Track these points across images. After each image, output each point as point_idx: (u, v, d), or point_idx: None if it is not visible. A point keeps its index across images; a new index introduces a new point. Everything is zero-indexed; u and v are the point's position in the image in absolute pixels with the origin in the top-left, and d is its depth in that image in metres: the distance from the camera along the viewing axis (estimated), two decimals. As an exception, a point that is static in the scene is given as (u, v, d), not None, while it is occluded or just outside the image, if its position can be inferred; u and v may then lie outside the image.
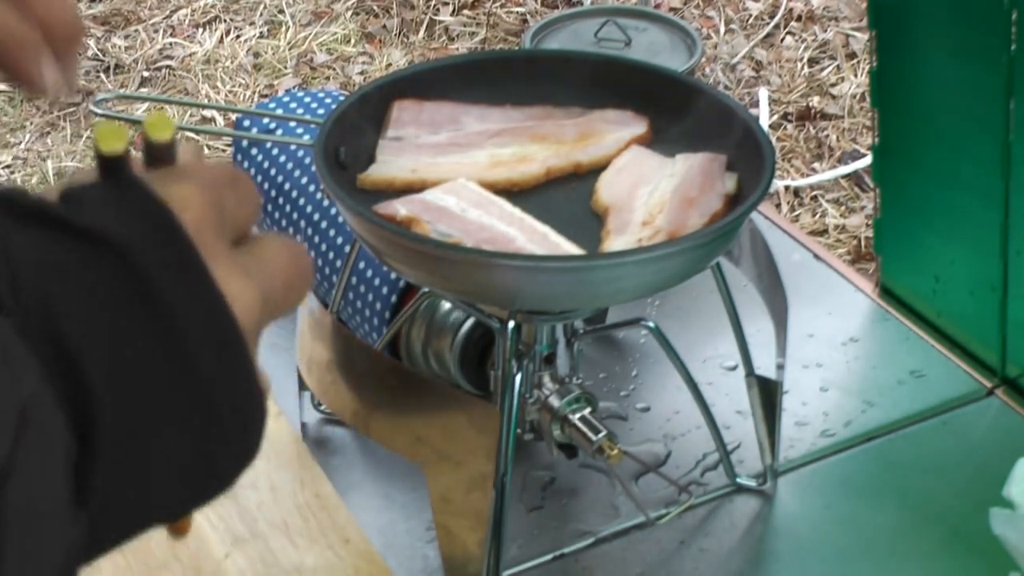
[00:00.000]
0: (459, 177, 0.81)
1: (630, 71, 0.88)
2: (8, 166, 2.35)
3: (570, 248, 0.75)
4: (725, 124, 0.82)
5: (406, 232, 0.72)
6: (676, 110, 0.85)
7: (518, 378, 0.76)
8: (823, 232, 2.17)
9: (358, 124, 0.83)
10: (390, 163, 0.82)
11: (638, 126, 0.85)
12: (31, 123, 2.44)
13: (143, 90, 2.53)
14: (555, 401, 0.81)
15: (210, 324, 0.40)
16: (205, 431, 0.41)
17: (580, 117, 0.86)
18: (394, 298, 0.89)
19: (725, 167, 0.81)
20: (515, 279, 0.71)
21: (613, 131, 0.85)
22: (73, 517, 0.37)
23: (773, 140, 2.38)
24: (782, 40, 2.70)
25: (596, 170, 0.83)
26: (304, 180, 0.99)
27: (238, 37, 2.68)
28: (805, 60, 2.61)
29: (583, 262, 0.73)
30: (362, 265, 0.91)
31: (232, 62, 2.60)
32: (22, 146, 2.39)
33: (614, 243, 0.76)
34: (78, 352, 0.37)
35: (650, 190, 0.79)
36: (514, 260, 0.71)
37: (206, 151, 2.31)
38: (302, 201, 0.98)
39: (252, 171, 1.03)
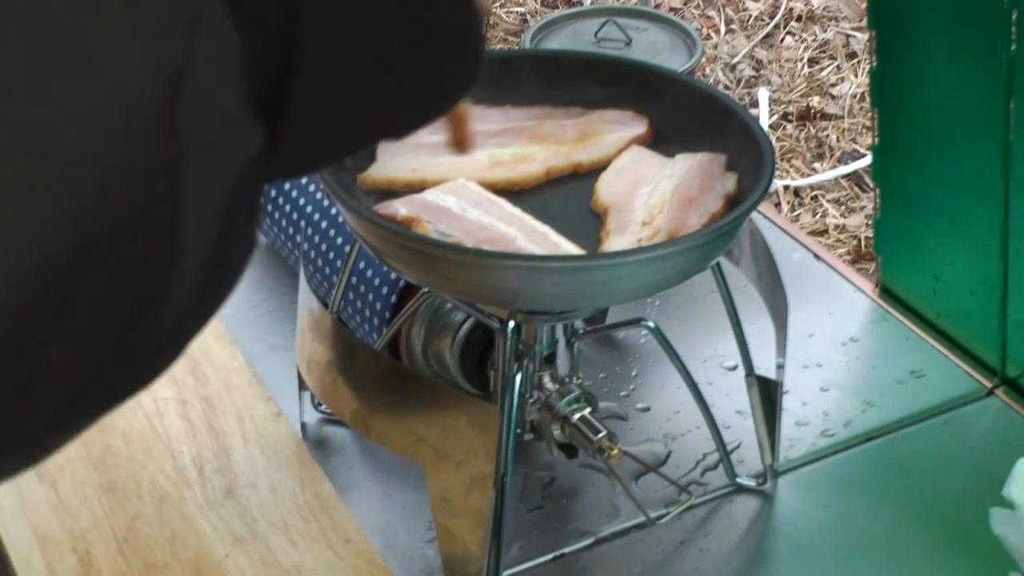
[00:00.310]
0: (459, 177, 0.81)
1: (629, 71, 0.88)
2: None
3: (570, 248, 0.75)
4: (725, 124, 0.82)
5: (406, 232, 0.72)
6: (676, 110, 0.85)
7: (518, 378, 0.76)
8: (823, 232, 2.17)
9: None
10: (390, 163, 0.82)
11: (638, 126, 0.85)
12: None
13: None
14: (555, 401, 0.81)
15: None
16: (418, 23, 0.41)
17: (580, 117, 0.86)
18: (394, 298, 0.89)
19: (725, 167, 0.81)
20: (515, 279, 0.71)
21: (613, 131, 0.85)
22: (250, 126, 0.36)
23: (773, 140, 2.38)
24: (782, 40, 2.70)
25: (596, 170, 0.83)
26: (304, 180, 0.99)
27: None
28: (805, 60, 2.62)
29: (583, 262, 0.73)
30: (362, 265, 0.91)
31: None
32: None
33: (614, 243, 0.76)
34: None
35: (650, 190, 0.79)
36: (514, 260, 0.71)
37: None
38: (302, 201, 0.98)
39: (252, 171, 1.03)
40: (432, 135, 0.84)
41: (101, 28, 0.32)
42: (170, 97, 0.33)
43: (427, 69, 0.44)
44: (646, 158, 0.83)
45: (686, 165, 0.81)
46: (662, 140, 0.85)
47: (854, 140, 2.39)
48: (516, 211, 0.78)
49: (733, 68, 2.62)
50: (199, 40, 0.34)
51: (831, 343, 1.02)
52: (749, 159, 0.79)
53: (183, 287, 0.37)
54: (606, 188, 0.81)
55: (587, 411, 0.81)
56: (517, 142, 0.84)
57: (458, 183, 0.80)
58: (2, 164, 0.30)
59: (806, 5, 2.77)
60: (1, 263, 0.31)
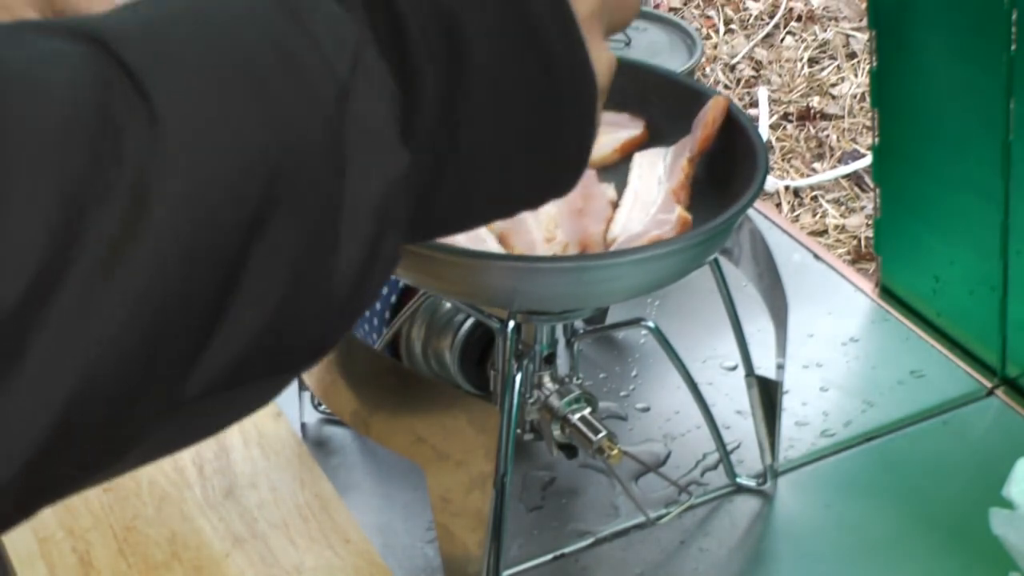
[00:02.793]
0: None
1: (626, 71, 0.88)
2: None
3: (498, 250, 0.76)
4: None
5: None
6: (669, 109, 0.85)
7: (518, 378, 0.76)
8: (823, 232, 2.17)
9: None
10: None
11: (634, 128, 0.85)
12: None
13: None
14: (555, 401, 0.81)
15: (555, 7, 0.47)
16: (540, 98, 0.48)
17: None
18: (394, 298, 0.89)
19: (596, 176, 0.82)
20: (510, 280, 0.71)
21: (609, 132, 0.85)
22: (398, 148, 0.43)
23: (773, 140, 2.39)
24: (782, 40, 2.70)
25: (604, 168, 0.83)
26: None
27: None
28: (805, 60, 2.62)
29: (578, 263, 0.73)
30: (362, 265, 0.91)
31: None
32: None
33: None
34: (454, 10, 0.45)
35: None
36: (508, 261, 0.71)
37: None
38: (302, 201, 0.98)
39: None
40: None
41: (305, 49, 0.41)
42: (340, 102, 0.41)
43: (552, 130, 0.50)
44: None
45: None
46: (660, 140, 0.85)
47: (854, 140, 2.39)
48: None
49: (733, 68, 2.62)
50: (360, 69, 0.42)
51: (831, 343, 1.02)
52: (742, 158, 0.79)
53: (341, 273, 0.41)
54: None
55: (587, 411, 0.81)
56: None
57: None
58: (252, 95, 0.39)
59: (806, 5, 2.77)
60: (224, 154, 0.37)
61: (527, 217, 0.78)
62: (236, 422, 0.43)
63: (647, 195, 0.80)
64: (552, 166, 0.52)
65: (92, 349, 0.35)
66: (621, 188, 0.82)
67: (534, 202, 0.53)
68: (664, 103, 0.86)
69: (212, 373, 0.38)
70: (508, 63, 0.47)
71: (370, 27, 0.43)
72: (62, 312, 0.34)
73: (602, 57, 0.51)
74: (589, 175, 0.82)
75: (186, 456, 0.90)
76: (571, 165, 0.52)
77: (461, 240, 0.75)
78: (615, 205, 0.81)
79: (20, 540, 0.84)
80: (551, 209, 0.79)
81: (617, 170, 0.84)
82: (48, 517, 0.85)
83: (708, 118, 0.81)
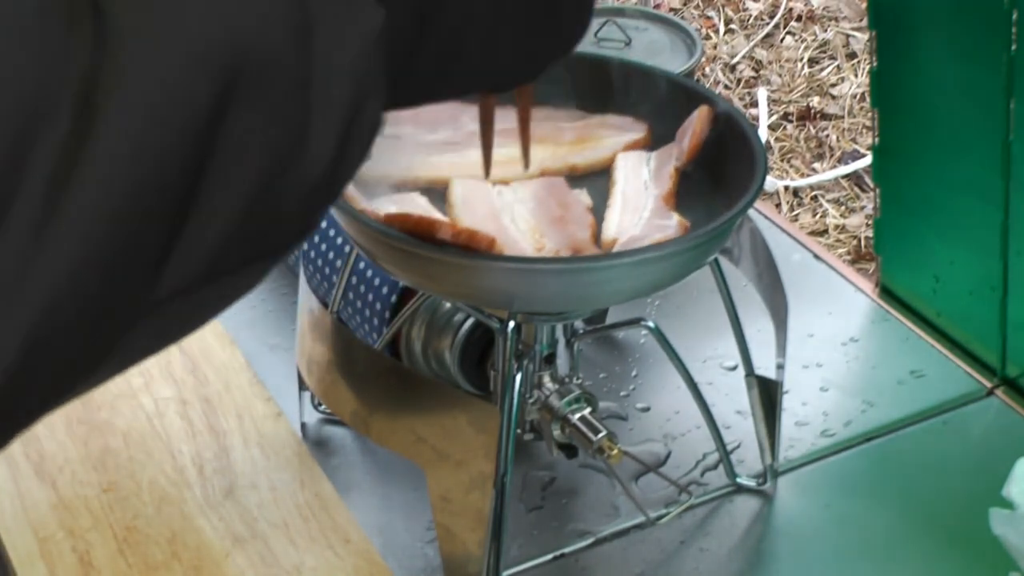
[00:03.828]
0: (453, 175, 0.81)
1: (625, 72, 0.88)
2: None
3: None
4: (716, 124, 0.82)
5: (396, 233, 0.72)
6: (667, 111, 0.85)
7: (518, 378, 0.76)
8: (823, 232, 2.17)
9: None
10: (385, 161, 0.82)
11: (637, 131, 0.85)
12: None
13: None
14: (555, 401, 0.81)
15: None
16: None
17: (580, 121, 0.86)
18: (394, 298, 0.89)
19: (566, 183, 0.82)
20: (507, 282, 0.71)
21: (611, 135, 0.85)
22: (372, 7, 0.40)
23: (773, 140, 2.39)
24: (782, 40, 2.70)
25: (591, 174, 0.83)
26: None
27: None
28: (805, 60, 2.62)
29: (576, 264, 0.73)
30: (362, 265, 0.91)
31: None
32: None
33: None
34: None
35: (510, 218, 0.79)
36: (506, 263, 0.71)
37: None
38: (302, 201, 0.98)
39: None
40: (430, 133, 0.85)
41: None
42: None
43: (548, 14, 0.47)
44: (477, 189, 0.82)
45: (527, 190, 0.81)
46: (660, 143, 0.85)
47: (854, 140, 2.39)
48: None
49: (733, 68, 2.62)
50: None
51: (831, 343, 1.02)
52: (741, 160, 0.79)
53: (317, 144, 0.39)
54: (476, 226, 0.79)
55: (587, 411, 0.81)
56: (514, 142, 0.84)
57: (406, 196, 0.80)
58: None
59: (806, 5, 2.77)
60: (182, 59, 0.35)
61: (510, 229, 0.78)
62: (219, 314, 0.42)
63: (636, 199, 0.80)
64: (545, 45, 0.49)
65: (56, 264, 0.34)
66: (593, 194, 0.82)
67: (519, 78, 0.51)
68: (664, 104, 0.85)
69: (186, 269, 0.37)
70: None
71: None
72: (19, 231, 0.33)
73: None
74: (559, 183, 0.82)
75: (186, 456, 0.90)
76: (563, 45, 0.50)
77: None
78: (592, 210, 0.80)
79: (20, 540, 0.84)
80: (531, 220, 0.79)
81: (586, 177, 0.84)
82: (48, 517, 0.85)
83: (695, 128, 0.81)
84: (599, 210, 0.81)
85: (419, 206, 0.80)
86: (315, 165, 0.40)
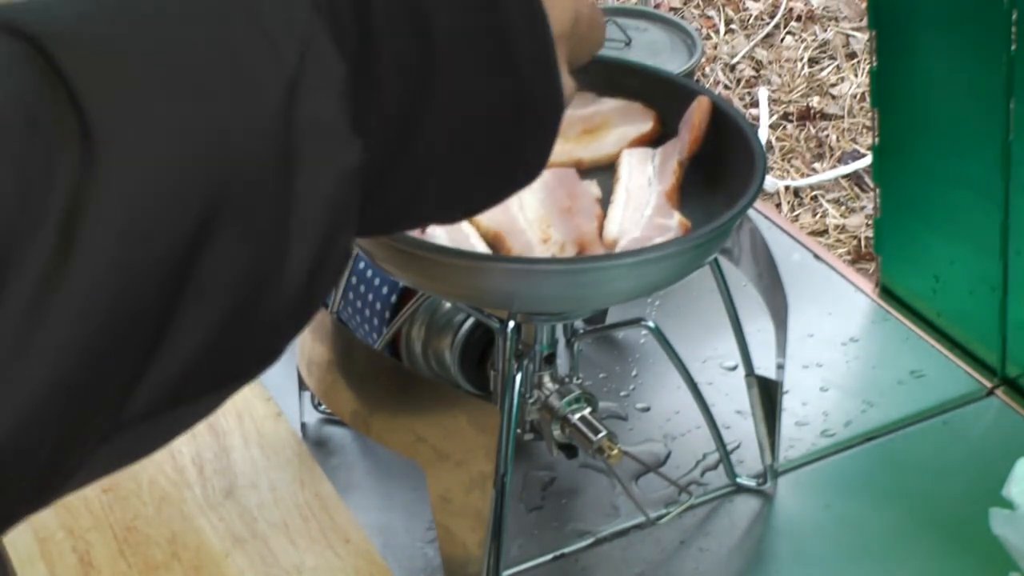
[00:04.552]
0: None
1: (624, 72, 0.88)
2: None
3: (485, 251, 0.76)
4: (716, 124, 0.82)
5: (396, 234, 0.72)
6: (670, 111, 0.85)
7: (518, 378, 0.76)
8: (823, 232, 2.17)
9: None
10: None
11: (645, 122, 0.85)
12: None
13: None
14: (555, 401, 0.81)
15: (531, 22, 0.46)
16: (506, 112, 0.47)
17: (591, 107, 0.85)
18: (394, 298, 0.89)
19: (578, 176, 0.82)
20: (507, 282, 0.71)
21: (619, 127, 0.85)
22: (350, 139, 0.41)
23: (773, 140, 2.38)
24: (782, 40, 2.70)
25: (596, 168, 0.83)
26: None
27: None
28: (805, 60, 2.62)
29: (577, 265, 0.73)
30: (362, 265, 0.91)
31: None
32: None
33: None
34: (425, 7, 0.44)
35: (518, 207, 0.79)
36: (505, 263, 0.71)
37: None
38: (302, 201, 0.98)
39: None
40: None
41: (251, 38, 0.39)
42: (289, 95, 0.39)
43: (514, 144, 0.49)
44: None
45: (538, 179, 0.81)
46: (660, 142, 0.85)
47: (854, 140, 2.39)
48: None
49: (733, 68, 2.62)
50: (310, 56, 0.40)
51: (831, 343, 1.02)
52: (740, 160, 0.79)
53: (291, 275, 0.40)
54: (483, 215, 0.79)
55: (587, 411, 0.81)
56: None
57: None
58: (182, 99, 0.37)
59: (806, 5, 2.77)
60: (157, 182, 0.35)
61: (519, 218, 0.78)
62: (178, 436, 0.42)
63: (639, 195, 0.80)
64: (506, 180, 0.51)
65: (29, 385, 0.33)
66: (603, 186, 0.82)
67: (483, 207, 0.52)
68: (664, 105, 0.85)
69: (155, 393, 0.37)
70: (477, 74, 0.46)
71: (329, 12, 0.41)
72: None
73: (567, 82, 0.50)
74: (570, 173, 0.82)
75: (186, 456, 0.90)
76: (523, 181, 0.51)
77: (448, 241, 0.75)
78: (600, 202, 0.80)
79: (20, 540, 0.84)
80: (540, 210, 0.79)
81: (596, 168, 0.84)
82: (48, 517, 0.85)
83: (694, 120, 0.81)
84: (607, 203, 0.81)
85: None
86: (287, 294, 0.40)
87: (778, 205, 2.23)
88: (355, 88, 0.42)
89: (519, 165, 0.50)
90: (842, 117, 2.44)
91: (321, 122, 0.40)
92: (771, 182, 2.26)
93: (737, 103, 2.50)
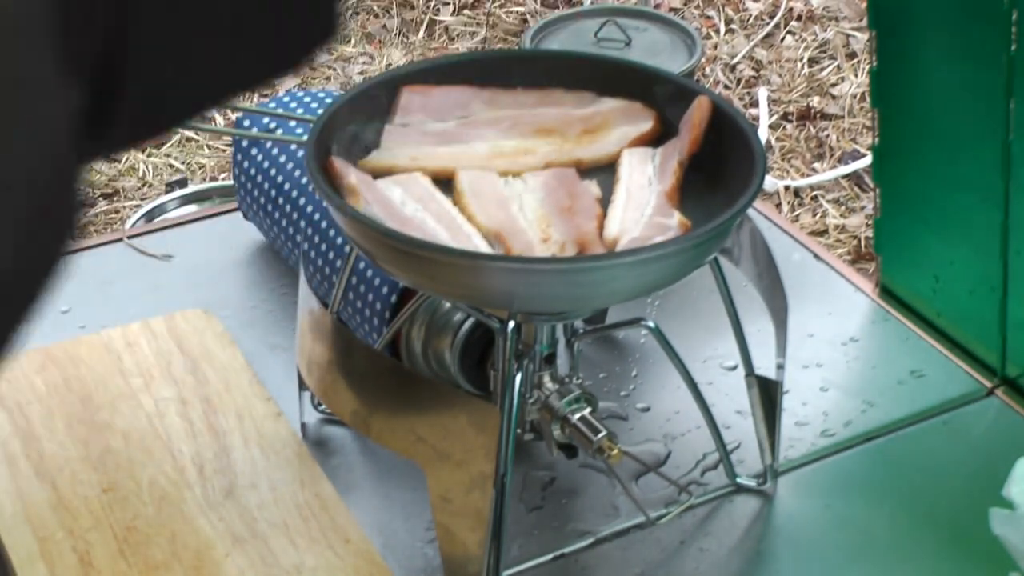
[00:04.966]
0: (457, 167, 0.81)
1: (624, 72, 0.88)
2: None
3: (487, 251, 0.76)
4: (716, 124, 0.82)
5: (395, 233, 0.72)
6: (670, 111, 0.85)
7: (518, 378, 0.76)
8: (823, 232, 2.17)
9: (352, 122, 0.83)
10: (392, 150, 0.83)
11: (645, 122, 0.85)
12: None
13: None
14: (555, 401, 0.81)
15: None
16: None
17: (590, 107, 0.85)
18: (394, 298, 0.89)
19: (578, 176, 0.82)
20: (506, 282, 0.71)
21: (619, 126, 0.85)
22: (63, 83, 0.35)
23: (773, 140, 2.38)
24: (782, 40, 2.70)
25: (596, 167, 0.83)
26: (304, 179, 0.99)
27: (238, 37, 2.68)
28: (805, 60, 2.61)
29: (576, 264, 0.73)
30: (362, 265, 0.91)
31: (232, 62, 2.60)
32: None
33: None
34: None
35: (517, 207, 0.79)
36: (504, 263, 0.71)
37: (206, 150, 2.31)
38: (302, 201, 0.98)
39: (252, 171, 1.03)
40: (439, 122, 0.84)
41: None
42: None
43: (276, 21, 0.42)
44: (484, 177, 0.82)
45: (537, 180, 0.81)
46: (660, 142, 0.85)
47: (854, 140, 2.39)
48: (453, 210, 0.78)
49: (733, 68, 2.62)
50: None
51: (831, 343, 1.02)
52: (740, 160, 0.79)
53: None
54: (481, 214, 0.79)
55: (587, 411, 0.81)
56: (521, 134, 0.84)
57: (411, 176, 0.80)
58: None
59: (806, 5, 2.77)
60: None
61: (519, 218, 0.78)
62: None
63: (639, 195, 0.80)
64: (275, 30, 0.43)
65: None
66: (603, 185, 0.82)
67: (271, 71, 0.44)
68: (664, 105, 0.85)
69: None
70: None
71: None
72: None
73: None
74: (570, 173, 0.82)
75: (186, 456, 0.90)
76: (322, 39, 0.44)
77: (450, 240, 0.75)
78: (600, 201, 0.80)
79: (20, 540, 0.84)
80: (540, 209, 0.79)
81: (596, 168, 0.84)
82: (48, 517, 0.85)
83: (694, 120, 0.81)
84: (607, 202, 0.81)
85: (423, 188, 0.80)
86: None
87: (778, 205, 2.23)
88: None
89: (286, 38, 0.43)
90: (842, 117, 2.44)
91: (11, 78, 0.34)
92: (771, 182, 2.26)
93: (737, 103, 2.50)
